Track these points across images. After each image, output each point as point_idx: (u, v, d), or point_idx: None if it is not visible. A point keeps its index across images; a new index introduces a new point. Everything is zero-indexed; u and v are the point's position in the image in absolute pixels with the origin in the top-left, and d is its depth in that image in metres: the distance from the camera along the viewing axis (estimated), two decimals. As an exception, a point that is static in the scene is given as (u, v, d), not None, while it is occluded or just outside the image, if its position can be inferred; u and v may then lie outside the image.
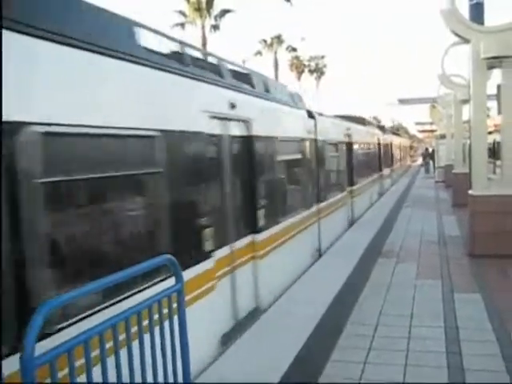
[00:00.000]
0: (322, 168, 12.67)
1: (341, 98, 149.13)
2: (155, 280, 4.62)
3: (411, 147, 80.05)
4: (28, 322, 2.68)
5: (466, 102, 17.17)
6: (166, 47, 6.04)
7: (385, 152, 29.45)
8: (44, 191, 3.53)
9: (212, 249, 6.09)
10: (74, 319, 3.63)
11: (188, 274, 4.60)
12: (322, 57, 75.88)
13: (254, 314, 7.44)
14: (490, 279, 8.89)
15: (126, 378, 3.38)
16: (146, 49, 5.27)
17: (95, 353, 3.14)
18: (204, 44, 42.58)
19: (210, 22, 45.26)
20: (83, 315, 3.71)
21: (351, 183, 17.09)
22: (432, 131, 59.07)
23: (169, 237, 5.16)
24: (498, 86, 11.17)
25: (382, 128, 32.42)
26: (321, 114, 13.77)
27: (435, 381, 5.14)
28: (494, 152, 21.83)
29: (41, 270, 3.48)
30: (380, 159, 26.67)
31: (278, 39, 64.28)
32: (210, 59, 7.52)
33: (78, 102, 4.04)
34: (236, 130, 7.36)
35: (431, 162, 43.37)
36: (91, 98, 4.22)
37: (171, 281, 4.16)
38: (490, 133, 17.89)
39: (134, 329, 3.54)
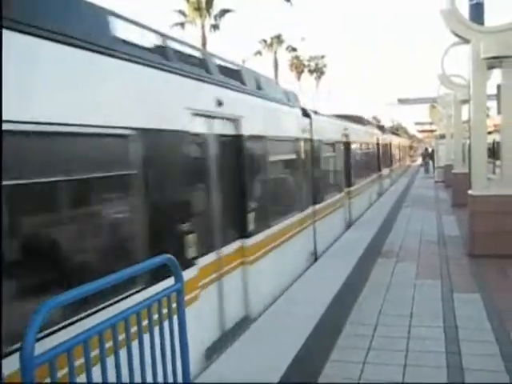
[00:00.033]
0: (318, 169, 12.36)
1: (341, 98, 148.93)
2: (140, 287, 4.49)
3: (411, 147, 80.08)
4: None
5: (465, 102, 17.17)
6: (143, 38, 5.51)
7: (384, 152, 29.15)
8: None
9: (195, 256, 5.69)
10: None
11: (165, 286, 4.13)
12: (322, 57, 75.92)
13: (244, 322, 7.13)
14: (489, 279, 8.90)
15: (125, 377, 3.38)
16: (115, 38, 4.77)
17: (95, 352, 3.14)
18: (204, 44, 42.56)
19: (209, 21, 45.28)
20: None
21: (349, 184, 16.76)
22: (432, 131, 59.07)
23: (142, 245, 4.72)
24: (498, 86, 11.17)
25: (380, 128, 32.17)
26: (316, 113, 13.40)
27: (434, 381, 5.15)
28: (494, 152, 21.83)
29: None
30: (379, 159, 26.39)
31: (278, 39, 64.28)
32: (195, 53, 6.99)
33: (24, 94, 3.53)
34: (224, 128, 7.02)
35: (431, 162, 43.40)
36: (42, 89, 3.72)
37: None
38: (489, 133, 17.90)
39: (134, 329, 3.54)
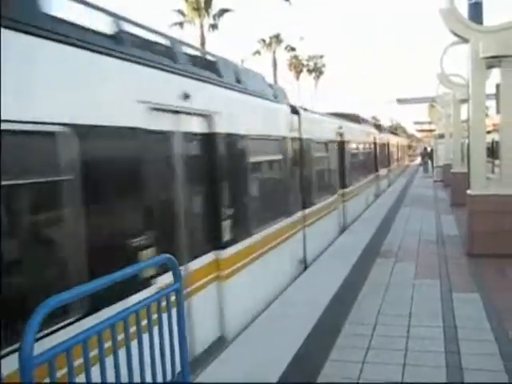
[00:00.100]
0: (308, 170, 11.54)
1: (340, 98, 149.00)
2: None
3: (409, 147, 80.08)
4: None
5: (464, 101, 17.19)
6: (84, 18, 4.63)
7: (381, 151, 28.45)
8: None
9: (152, 275, 4.81)
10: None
11: (111, 312, 3.54)
12: (321, 56, 75.93)
13: (219, 344, 6.37)
14: (488, 279, 8.90)
15: (124, 377, 3.38)
16: (44, 15, 3.99)
17: (94, 352, 3.14)
18: (203, 43, 42.59)
19: (208, 21, 45.31)
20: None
21: (343, 185, 16.00)
22: (431, 131, 59.04)
23: (82, 266, 3.98)
24: (497, 86, 11.18)
25: (378, 126, 31.41)
26: (306, 110, 12.49)
27: (434, 380, 5.15)
28: (493, 151, 21.84)
29: None
30: (376, 159, 25.69)
31: (277, 39, 64.30)
32: (158, 40, 6.05)
33: None
34: (192, 125, 6.18)
35: (430, 162, 43.42)
36: None
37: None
38: (488, 132, 17.90)
39: (133, 328, 3.54)
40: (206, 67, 7.06)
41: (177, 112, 5.73)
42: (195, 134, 6.31)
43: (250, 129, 7.92)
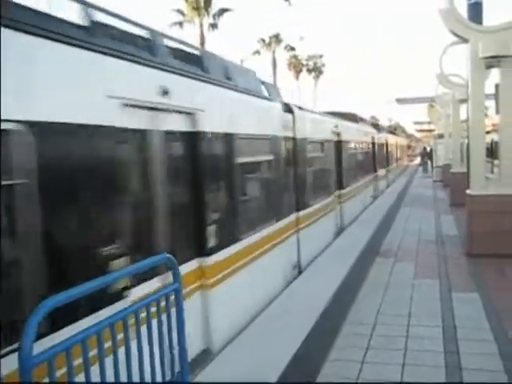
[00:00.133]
0: (303, 171, 11.04)
1: (340, 98, 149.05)
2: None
3: (409, 146, 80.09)
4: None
5: (464, 101, 17.18)
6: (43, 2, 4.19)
7: (379, 151, 27.99)
8: None
9: (126, 286, 4.41)
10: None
11: (77, 328, 3.26)
12: (321, 56, 75.98)
13: (203, 357, 5.91)
14: (487, 278, 8.90)
15: (124, 377, 3.38)
16: None
17: (93, 352, 3.14)
18: (202, 43, 42.61)
19: (208, 20, 45.39)
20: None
21: (340, 186, 15.50)
22: (430, 131, 59.10)
23: (45, 279, 3.63)
24: (497, 86, 11.19)
25: (376, 126, 31.04)
26: (301, 109, 11.82)
27: (433, 380, 5.15)
28: (492, 151, 21.84)
29: None
30: (374, 159, 25.24)
31: (277, 38, 64.36)
32: (134, 31, 5.51)
33: None
34: (173, 123, 5.69)
35: (429, 162, 43.44)
36: None
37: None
38: (487, 132, 17.90)
39: (132, 328, 3.54)
40: (190, 62, 6.58)
41: (154, 109, 5.24)
42: (177, 133, 5.83)
43: (239, 127, 7.45)
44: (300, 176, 10.73)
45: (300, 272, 10.08)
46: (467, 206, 11.15)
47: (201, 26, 44.65)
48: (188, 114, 5.97)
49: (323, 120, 14.74)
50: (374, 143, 25.24)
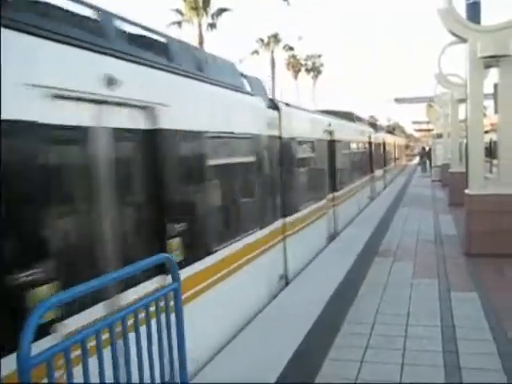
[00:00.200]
0: (290, 173, 10.16)
1: (339, 98, 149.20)
2: None
3: (407, 146, 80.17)
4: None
5: (462, 101, 17.19)
6: None
7: (377, 151, 27.19)
8: None
9: (54, 320, 3.51)
10: None
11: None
12: (319, 56, 76.12)
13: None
14: (486, 278, 8.91)
15: (123, 378, 3.37)
16: None
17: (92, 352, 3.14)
18: (201, 43, 42.60)
19: (206, 20, 45.40)
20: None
21: (333, 189, 14.58)
22: (429, 130, 59.24)
23: None
24: (495, 85, 11.19)
25: (373, 125, 30.35)
26: (289, 105, 10.89)
27: (432, 380, 5.15)
28: (491, 151, 21.87)
29: None
30: (371, 159, 24.46)
31: (275, 38, 64.44)
32: (75, 8, 4.61)
33: None
34: (123, 120, 4.74)
35: (428, 161, 43.49)
36: None
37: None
38: (486, 132, 17.92)
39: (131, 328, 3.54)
40: (152, 49, 5.70)
41: (97, 102, 4.36)
42: (128, 131, 4.87)
43: (212, 125, 6.59)
44: (287, 179, 9.88)
45: (287, 283, 9.28)
46: (466, 205, 11.16)
47: (199, 25, 44.66)
48: (146, 108, 5.03)
49: (314, 118, 13.89)
50: (370, 143, 24.64)
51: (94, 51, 4.43)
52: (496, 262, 9.82)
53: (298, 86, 73.88)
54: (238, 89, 8.08)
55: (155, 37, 5.99)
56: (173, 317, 4.07)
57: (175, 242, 5.38)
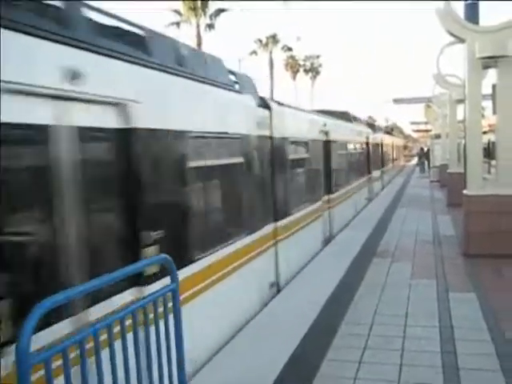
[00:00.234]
0: (282, 175, 9.64)
1: (337, 98, 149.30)
2: None
3: (405, 147, 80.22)
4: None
5: (461, 101, 17.17)
6: None
7: (374, 152, 26.80)
8: None
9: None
10: None
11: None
12: (318, 56, 76.28)
13: None
14: (484, 279, 8.92)
15: (121, 378, 3.37)
16: None
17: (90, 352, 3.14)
18: (199, 43, 42.62)
19: (205, 20, 45.41)
20: None
21: (329, 191, 14.13)
22: (427, 131, 59.29)
23: None
24: (494, 86, 11.20)
25: (371, 125, 29.99)
26: (282, 104, 10.41)
27: (430, 380, 5.15)
28: (489, 152, 21.90)
29: None
30: (368, 160, 24.05)
31: (274, 39, 64.50)
32: None
33: None
34: (91, 118, 4.26)
35: (426, 162, 43.54)
36: None
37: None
38: (484, 133, 17.96)
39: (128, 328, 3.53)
40: (124, 40, 5.14)
41: (58, 98, 3.90)
42: (98, 130, 4.41)
43: (193, 124, 6.09)
44: (279, 181, 9.37)
45: (279, 290, 8.83)
46: (464, 206, 11.17)
47: (198, 26, 44.68)
48: (117, 105, 4.56)
49: (308, 118, 13.38)
50: (368, 143, 24.26)
51: (55, 41, 3.95)
52: (494, 263, 9.83)
53: (297, 86, 74.00)
54: (226, 86, 7.58)
55: (131, 28, 5.42)
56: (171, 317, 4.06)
57: (151, 251, 4.80)
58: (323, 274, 9.65)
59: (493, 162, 16.30)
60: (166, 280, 4.42)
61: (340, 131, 16.83)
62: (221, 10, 46.34)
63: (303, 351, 5.99)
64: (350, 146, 19.29)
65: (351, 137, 19.71)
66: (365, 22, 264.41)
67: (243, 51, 60.09)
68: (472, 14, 14.26)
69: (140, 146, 4.83)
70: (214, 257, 6.37)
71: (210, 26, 45.83)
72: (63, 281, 3.76)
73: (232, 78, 8.21)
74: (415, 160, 60.41)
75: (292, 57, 71.77)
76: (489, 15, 17.15)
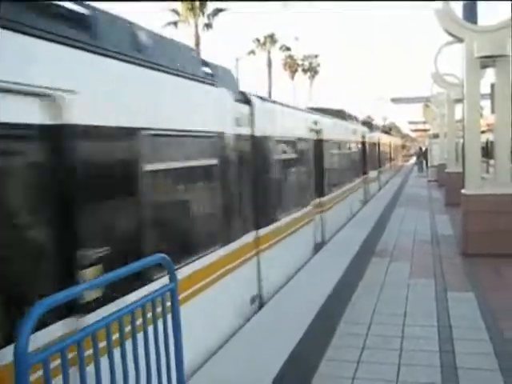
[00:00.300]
0: (265, 177, 8.77)
1: (335, 97, 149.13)
2: None
3: (403, 146, 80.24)
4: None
5: (459, 101, 17.23)
6: None
7: (371, 152, 25.93)
8: None
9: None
10: None
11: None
12: (316, 56, 76.27)
13: None
14: (482, 278, 8.92)
15: (120, 378, 3.37)
16: None
17: (89, 352, 3.13)
18: (197, 43, 42.61)
19: (203, 20, 45.43)
20: None
21: (320, 193, 13.16)
22: (425, 130, 59.31)
23: None
24: (492, 85, 11.23)
25: (368, 124, 29.08)
26: (265, 100, 9.59)
27: (429, 380, 5.15)
28: (488, 151, 21.91)
29: None
30: (365, 160, 23.19)
31: (272, 38, 64.52)
32: None
33: None
34: (6, 112, 3.36)
35: (424, 161, 43.57)
36: None
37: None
38: (483, 132, 17.96)
39: (128, 328, 3.53)
40: (60, 18, 4.14)
41: None
42: (14, 127, 3.51)
43: (148, 120, 5.13)
44: (261, 184, 8.49)
45: (262, 304, 8.06)
46: (462, 205, 11.18)
47: (196, 25, 44.69)
48: (41, 96, 3.70)
49: (297, 115, 12.32)
50: (364, 143, 23.33)
51: None
52: (492, 262, 9.83)
53: (295, 86, 73.96)
54: (196, 78, 6.60)
55: (70, 5, 4.38)
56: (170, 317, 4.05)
57: (92, 272, 3.95)
58: (322, 273, 9.64)
59: (491, 162, 16.29)
60: (114, 306, 3.85)
61: (333, 130, 16.02)
62: (219, 10, 46.38)
63: (302, 350, 5.99)
64: (345, 146, 18.50)
65: (346, 136, 18.86)
66: (363, 22, 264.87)
67: (241, 51, 60.21)
68: (470, 13, 14.27)
69: (74, 146, 3.96)
70: (182, 272, 5.31)
71: (208, 26, 45.87)
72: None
73: (206, 69, 7.22)
74: (413, 160, 60.46)
75: (290, 56, 71.79)
76: (487, 15, 17.16)
